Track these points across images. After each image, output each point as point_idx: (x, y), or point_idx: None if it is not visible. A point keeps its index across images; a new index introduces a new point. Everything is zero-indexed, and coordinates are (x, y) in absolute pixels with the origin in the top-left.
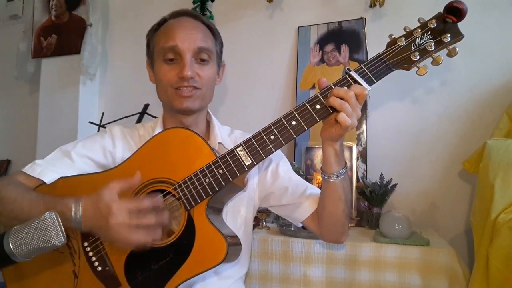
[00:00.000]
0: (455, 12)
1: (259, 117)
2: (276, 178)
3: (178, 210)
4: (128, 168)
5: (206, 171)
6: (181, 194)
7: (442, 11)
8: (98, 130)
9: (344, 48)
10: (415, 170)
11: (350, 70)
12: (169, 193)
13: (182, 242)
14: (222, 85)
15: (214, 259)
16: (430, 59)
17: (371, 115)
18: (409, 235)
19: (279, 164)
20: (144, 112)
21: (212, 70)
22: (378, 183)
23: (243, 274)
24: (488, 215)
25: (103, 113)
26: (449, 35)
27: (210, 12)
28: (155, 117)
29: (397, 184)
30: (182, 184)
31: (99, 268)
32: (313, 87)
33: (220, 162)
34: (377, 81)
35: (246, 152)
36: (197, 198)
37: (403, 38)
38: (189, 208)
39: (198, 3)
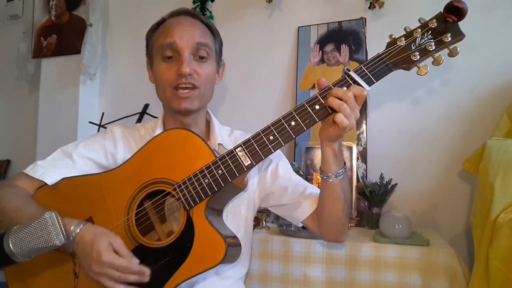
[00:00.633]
0: (455, 12)
1: (259, 117)
2: (276, 178)
3: (178, 210)
4: (128, 168)
5: (206, 171)
6: (180, 194)
7: (442, 11)
8: (98, 130)
9: (344, 48)
10: (415, 170)
11: (349, 71)
12: (169, 193)
13: (181, 243)
14: (222, 85)
15: (213, 259)
16: (431, 59)
17: (371, 115)
18: (409, 235)
19: (279, 164)
20: (144, 112)
21: (211, 68)
22: (378, 183)
23: (243, 274)
24: (488, 215)
25: (103, 113)
26: (449, 34)
27: (210, 12)
28: (155, 117)
29: (397, 184)
30: (182, 185)
31: None
32: (313, 87)
33: (219, 163)
34: (376, 81)
35: (246, 153)
36: (196, 199)
37: (403, 38)
38: (188, 208)
39: (198, 3)
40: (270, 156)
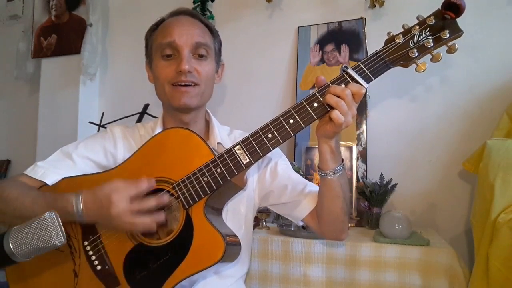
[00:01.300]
0: (453, 8)
1: (259, 117)
2: (275, 177)
3: (177, 209)
4: (128, 167)
5: (204, 170)
6: (179, 193)
7: (440, 8)
8: (98, 130)
9: (344, 48)
10: (415, 170)
11: (347, 68)
12: (168, 192)
13: (180, 241)
14: (222, 84)
15: (212, 257)
16: (429, 56)
17: (371, 115)
18: (409, 235)
19: (278, 162)
20: (144, 112)
21: (211, 66)
22: (378, 183)
23: (243, 274)
24: (488, 215)
25: (103, 113)
26: (448, 31)
27: (210, 12)
28: (155, 117)
29: (397, 184)
30: (181, 183)
31: (99, 267)
32: (313, 87)
33: (218, 161)
34: (374, 78)
35: (244, 151)
36: (195, 197)
37: (401, 35)
38: (187, 207)
39: (198, 3)
40: (269, 154)
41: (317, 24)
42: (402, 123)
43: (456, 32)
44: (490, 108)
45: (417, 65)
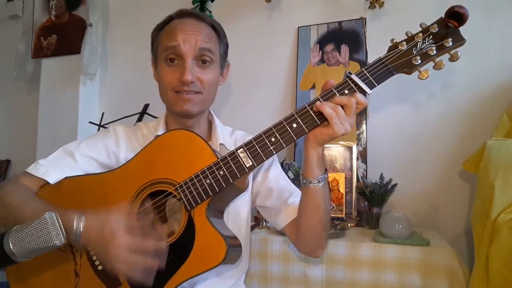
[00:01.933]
0: (456, 17)
1: (259, 117)
2: (265, 179)
3: (179, 211)
4: (131, 168)
5: (207, 172)
6: (182, 195)
7: (443, 16)
8: (98, 130)
9: (344, 48)
10: (415, 170)
11: (351, 74)
12: (170, 193)
13: (182, 243)
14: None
15: (213, 260)
16: (432, 64)
17: (371, 115)
18: (409, 235)
19: (271, 166)
20: (144, 112)
21: (214, 73)
22: (378, 183)
23: (243, 274)
24: (488, 215)
25: (103, 113)
26: (450, 39)
27: (210, 12)
28: (155, 117)
29: (397, 184)
30: (183, 185)
31: (100, 267)
32: (313, 87)
33: (221, 164)
34: (378, 84)
35: (247, 154)
36: (198, 199)
37: (405, 43)
38: (189, 208)
39: (198, 3)
40: None
41: (317, 24)
42: (402, 123)
43: (459, 40)
44: (490, 108)
45: (420, 72)
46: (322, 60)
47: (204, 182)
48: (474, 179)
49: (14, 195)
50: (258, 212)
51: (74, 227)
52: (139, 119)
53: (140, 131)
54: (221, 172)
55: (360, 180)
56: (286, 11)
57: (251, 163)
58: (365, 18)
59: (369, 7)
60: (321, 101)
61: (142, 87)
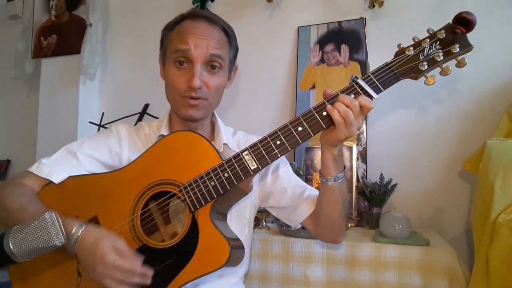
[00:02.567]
0: (464, 23)
1: (259, 117)
2: (276, 179)
3: (182, 212)
4: (135, 169)
5: (212, 174)
6: (186, 196)
7: (451, 22)
8: (98, 130)
9: (344, 48)
10: (415, 170)
11: (357, 78)
12: (174, 194)
13: (185, 244)
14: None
15: (216, 262)
16: (438, 69)
17: (371, 115)
18: (409, 235)
19: (280, 165)
20: (144, 112)
21: (222, 79)
22: (378, 183)
23: (243, 274)
24: (488, 215)
25: (103, 113)
26: (458, 45)
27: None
28: (155, 117)
29: (397, 184)
30: (188, 186)
31: None
32: (313, 87)
33: (225, 166)
34: (384, 89)
35: (252, 157)
36: (202, 201)
37: (412, 48)
38: (193, 210)
39: (198, 3)
40: None
41: (317, 24)
42: (402, 123)
43: (466, 46)
44: (490, 108)
45: (426, 78)
46: (322, 60)
47: (209, 184)
48: (474, 179)
49: (14, 198)
50: (258, 211)
51: (73, 231)
52: (139, 119)
53: (142, 130)
54: (226, 174)
55: (360, 180)
56: (286, 11)
57: (256, 166)
58: (365, 18)
59: (368, 7)
60: (330, 105)
61: (142, 87)
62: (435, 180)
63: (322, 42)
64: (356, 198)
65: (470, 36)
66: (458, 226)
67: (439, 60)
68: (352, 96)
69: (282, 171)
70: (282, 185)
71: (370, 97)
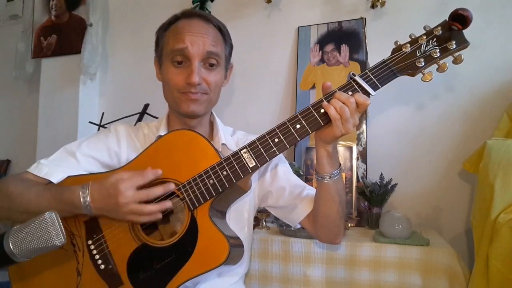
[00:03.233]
0: (460, 20)
1: (259, 117)
2: (275, 178)
3: (181, 211)
4: (134, 168)
5: (210, 172)
6: (185, 194)
7: (447, 19)
8: (98, 130)
9: (344, 48)
10: (415, 170)
11: (355, 75)
12: (173, 193)
13: (184, 243)
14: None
15: (216, 260)
16: (435, 66)
17: (371, 115)
18: (409, 235)
19: (279, 164)
20: (144, 112)
21: (220, 75)
22: (378, 183)
23: (243, 274)
24: (488, 215)
25: (103, 113)
26: (454, 42)
27: (210, 12)
28: (155, 117)
29: (397, 184)
30: (186, 185)
31: (102, 267)
32: (313, 87)
33: (224, 164)
34: (381, 86)
35: (250, 155)
36: (201, 199)
37: (408, 45)
38: (192, 208)
39: (198, 3)
40: None
41: (317, 24)
42: (402, 123)
43: (462, 43)
44: (490, 108)
45: (423, 74)
46: (322, 60)
47: (207, 182)
48: (474, 179)
49: (16, 184)
50: (258, 212)
51: (82, 200)
52: (139, 119)
53: (141, 131)
54: (224, 173)
55: (360, 180)
56: (286, 11)
57: (254, 164)
58: (365, 18)
59: (370, 7)
60: (326, 102)
61: (142, 87)
62: (435, 180)
63: (322, 42)
64: (356, 198)
65: (470, 35)
66: (458, 226)
67: (435, 56)
68: (350, 93)
69: (281, 170)
70: (280, 184)
71: (368, 93)
